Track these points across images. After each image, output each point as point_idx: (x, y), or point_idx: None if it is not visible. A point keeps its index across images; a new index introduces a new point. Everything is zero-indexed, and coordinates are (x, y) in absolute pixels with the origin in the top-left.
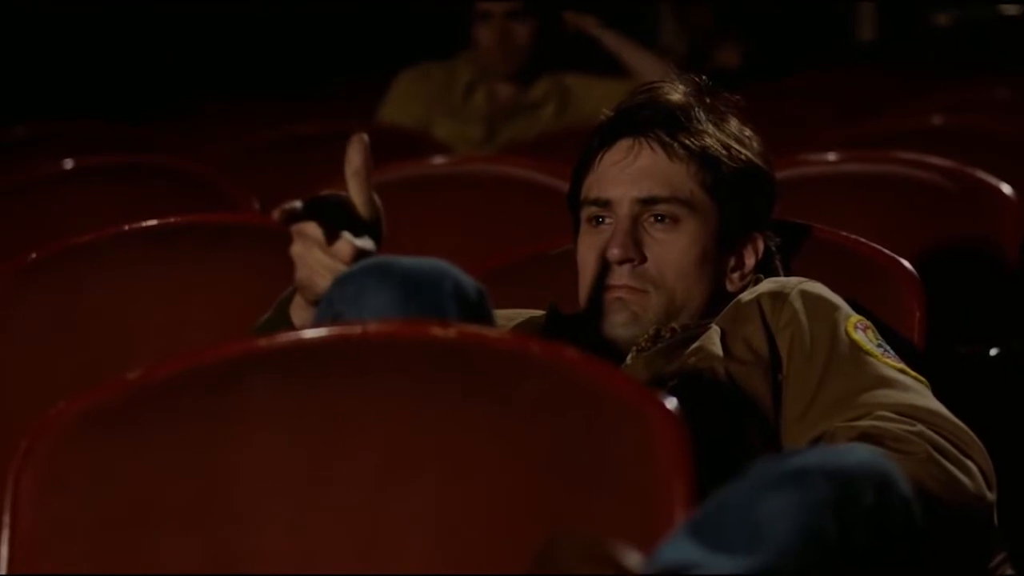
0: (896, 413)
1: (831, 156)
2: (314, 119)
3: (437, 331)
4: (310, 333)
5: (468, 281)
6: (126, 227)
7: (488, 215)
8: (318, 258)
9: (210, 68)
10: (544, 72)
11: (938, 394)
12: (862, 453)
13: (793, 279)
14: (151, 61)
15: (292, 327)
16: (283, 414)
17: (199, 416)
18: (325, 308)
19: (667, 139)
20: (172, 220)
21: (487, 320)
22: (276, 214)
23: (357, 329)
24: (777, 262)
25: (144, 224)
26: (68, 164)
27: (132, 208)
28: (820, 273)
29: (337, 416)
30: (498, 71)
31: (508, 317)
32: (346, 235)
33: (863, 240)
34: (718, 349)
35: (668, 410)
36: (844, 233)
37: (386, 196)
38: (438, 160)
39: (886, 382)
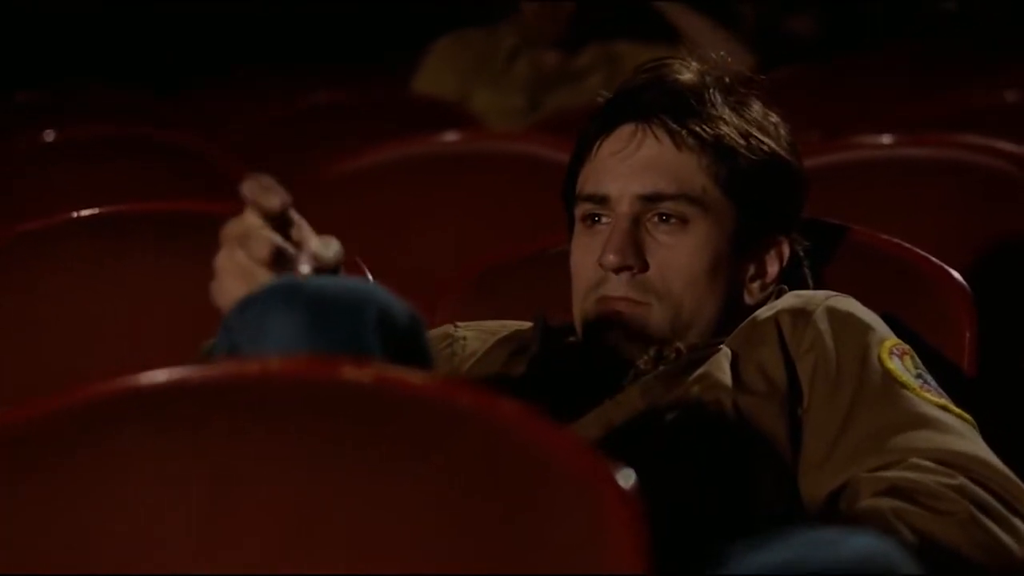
0: (934, 461)
1: (885, 139)
2: (352, 88)
3: (349, 372)
4: (194, 371)
5: (399, 307)
6: (75, 215)
7: (499, 198)
8: (230, 255)
9: (247, 37)
10: (592, 38)
11: (1001, 418)
12: (860, 544)
13: (820, 293)
14: (188, 30)
15: None
16: (160, 471)
17: (60, 471)
18: (222, 339)
19: (675, 126)
20: (128, 207)
21: (420, 357)
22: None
23: (251, 367)
24: (805, 270)
25: (97, 212)
26: (49, 137)
27: (120, 187)
28: (856, 283)
29: (224, 475)
30: (543, 37)
31: (491, 331)
32: (273, 235)
33: (907, 245)
34: (726, 377)
35: (623, 490)
36: (886, 237)
37: (389, 177)
38: (448, 137)
39: (924, 422)
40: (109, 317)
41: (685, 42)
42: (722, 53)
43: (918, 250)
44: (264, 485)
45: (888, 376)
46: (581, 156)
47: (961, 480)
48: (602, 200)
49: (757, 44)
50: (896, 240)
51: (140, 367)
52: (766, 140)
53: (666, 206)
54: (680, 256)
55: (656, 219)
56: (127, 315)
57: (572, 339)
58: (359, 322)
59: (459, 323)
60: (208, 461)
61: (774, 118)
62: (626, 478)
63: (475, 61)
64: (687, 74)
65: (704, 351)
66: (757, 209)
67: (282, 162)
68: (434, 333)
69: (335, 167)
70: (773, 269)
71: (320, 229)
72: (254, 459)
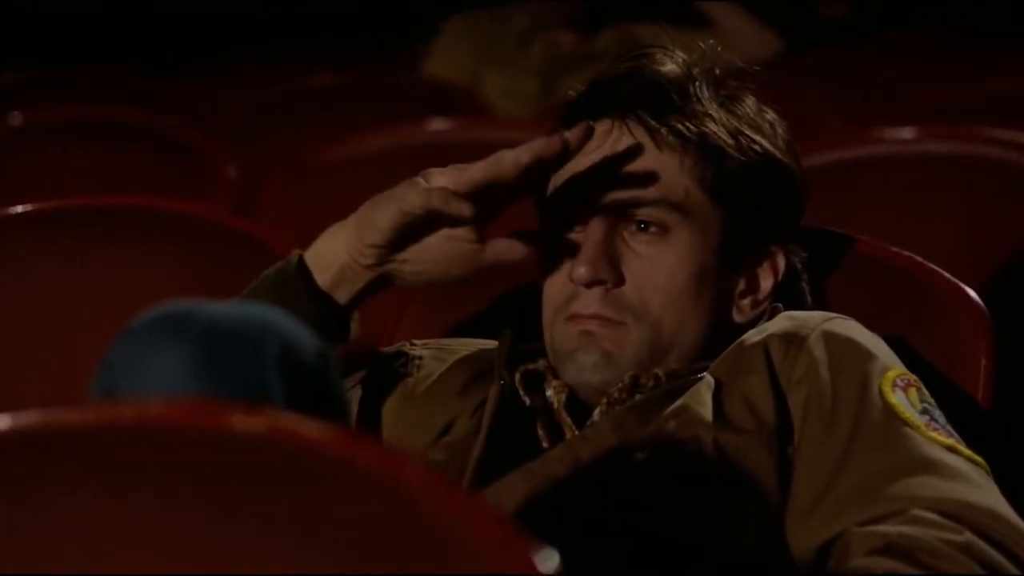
0: (937, 512)
1: (907, 133)
2: (350, 71)
3: (239, 421)
4: (55, 416)
5: (307, 341)
6: (19, 209)
7: None
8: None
9: (246, 18)
10: (610, 20)
11: (1020, 460)
12: None
13: (815, 315)
14: (187, 11)
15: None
16: (13, 540)
17: None
18: (100, 376)
19: (653, 122)
20: (71, 202)
21: (329, 398)
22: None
23: (125, 412)
24: (803, 285)
25: (40, 206)
26: (16, 120)
27: (91, 173)
28: (860, 301)
29: (94, 543)
30: (558, 18)
31: (451, 350)
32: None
33: (918, 259)
34: (707, 410)
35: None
36: (895, 249)
37: (375, 166)
38: (437, 125)
39: (928, 466)
40: (47, 314)
41: (711, 25)
42: (743, 36)
43: (931, 265)
44: (142, 551)
45: (890, 412)
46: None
47: (968, 536)
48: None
49: (787, 28)
50: (907, 253)
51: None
52: (758, 139)
53: (644, 212)
54: (660, 269)
55: (633, 227)
56: (66, 313)
57: (541, 363)
58: (258, 359)
59: (416, 340)
60: (75, 525)
61: (770, 115)
62: (546, 560)
63: (487, 43)
64: (670, 65)
65: (687, 379)
66: (748, 216)
67: (273, 146)
68: (388, 351)
69: (320, 154)
70: (766, 283)
71: (305, 217)
72: (129, 521)
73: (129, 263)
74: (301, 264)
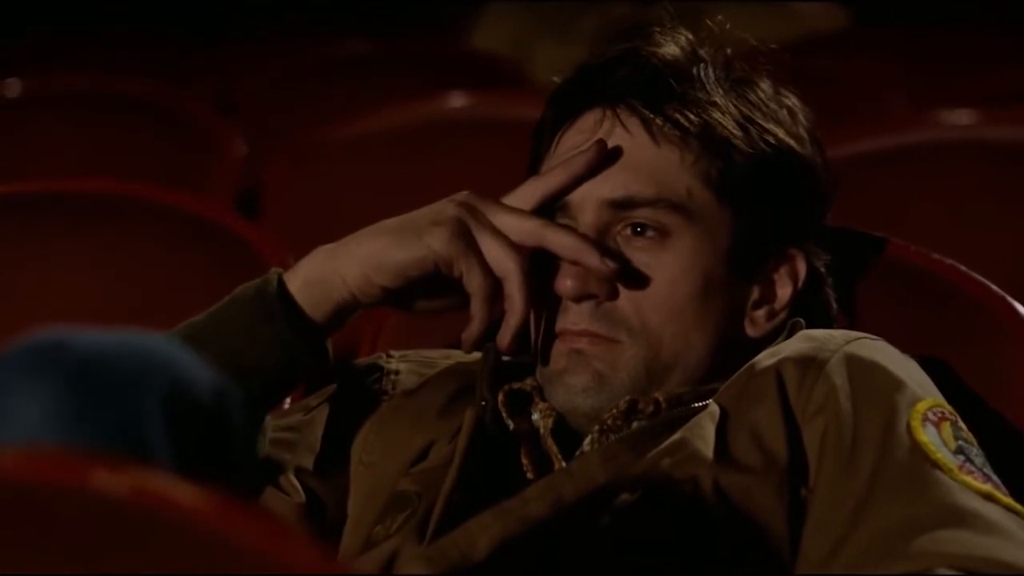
0: (967, 572)
1: (965, 117)
2: (385, 40)
3: (101, 479)
4: None
5: (202, 378)
6: None
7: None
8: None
9: None
10: None
11: None
12: None
13: (838, 335)
14: None
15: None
16: None
17: None
18: None
19: (648, 112)
20: (32, 186)
21: (228, 448)
22: None
23: None
24: (828, 293)
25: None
26: (15, 89)
27: (92, 148)
28: (893, 314)
29: None
30: None
31: (431, 364)
32: None
33: (962, 268)
34: (707, 446)
35: None
36: (936, 256)
37: (388, 146)
38: (457, 101)
39: (959, 516)
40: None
41: None
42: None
43: (977, 276)
44: None
45: (918, 451)
46: (539, 151)
47: None
48: (561, 207)
49: None
50: (949, 261)
51: None
52: (772, 128)
53: (641, 214)
54: (659, 278)
55: (628, 231)
56: (17, 306)
57: (529, 382)
58: (138, 402)
59: (393, 352)
60: None
61: (790, 100)
62: None
63: (539, 12)
64: (670, 47)
65: (690, 406)
66: (761, 216)
67: (292, 121)
68: (362, 363)
69: (328, 131)
70: (784, 292)
71: (308, 200)
72: None
73: (91, 253)
74: (282, 289)
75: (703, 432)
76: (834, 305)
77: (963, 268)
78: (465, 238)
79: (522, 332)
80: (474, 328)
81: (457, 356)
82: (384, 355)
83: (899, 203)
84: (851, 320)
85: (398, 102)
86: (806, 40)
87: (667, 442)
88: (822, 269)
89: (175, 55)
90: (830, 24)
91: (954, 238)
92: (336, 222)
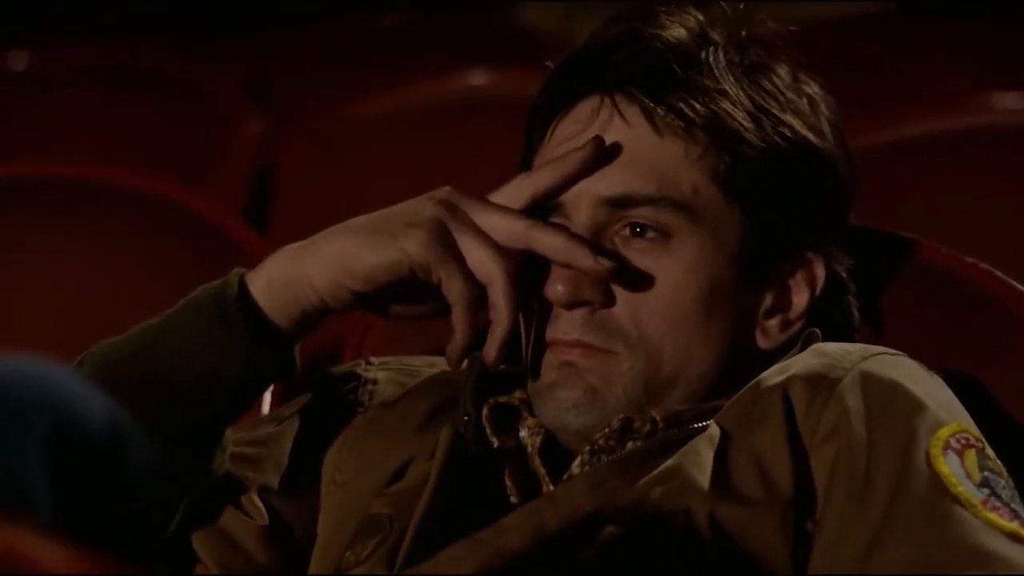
0: None
1: (1014, 101)
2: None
3: None
4: None
5: (95, 412)
6: None
7: None
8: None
9: None
10: None
11: None
12: None
13: (854, 350)
14: None
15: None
16: None
17: None
18: None
19: (649, 101)
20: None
21: (122, 481)
22: None
23: None
24: (850, 300)
25: None
26: (22, 62)
27: (104, 123)
28: (921, 322)
29: None
30: None
31: (411, 372)
32: None
33: (998, 274)
34: (702, 474)
35: None
36: (970, 260)
37: (412, 122)
38: (478, 79)
39: (980, 558)
40: None
41: None
42: None
43: (1013, 282)
44: None
45: (937, 484)
46: (532, 140)
47: None
48: (553, 205)
49: None
50: (984, 266)
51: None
52: (789, 119)
53: (640, 213)
54: (660, 284)
55: (627, 232)
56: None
57: (517, 395)
58: (18, 441)
59: (373, 359)
60: None
61: (810, 88)
62: None
63: None
64: (676, 29)
65: (689, 428)
66: (774, 215)
67: (316, 98)
68: (338, 371)
69: (341, 111)
70: (800, 299)
71: (322, 183)
72: None
73: (64, 239)
74: (243, 292)
75: (699, 458)
76: (856, 314)
77: (999, 274)
78: (444, 241)
79: (509, 343)
80: (457, 340)
81: (442, 364)
82: (363, 362)
83: (927, 195)
84: (875, 331)
85: (413, 80)
86: (853, 19)
87: (660, 468)
88: (843, 274)
89: (203, 32)
90: None
91: (988, 237)
92: (351, 202)
